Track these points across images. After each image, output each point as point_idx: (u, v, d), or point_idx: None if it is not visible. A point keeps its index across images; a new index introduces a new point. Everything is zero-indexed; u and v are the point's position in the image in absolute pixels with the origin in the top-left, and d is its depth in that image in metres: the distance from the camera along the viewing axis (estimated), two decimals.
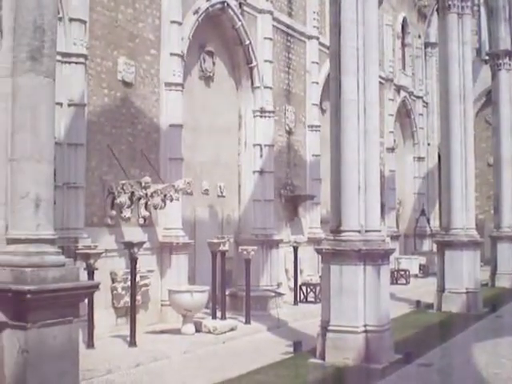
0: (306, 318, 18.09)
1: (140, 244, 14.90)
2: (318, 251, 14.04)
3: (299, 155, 24.14)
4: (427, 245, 34.99)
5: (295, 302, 21.21)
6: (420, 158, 36.39)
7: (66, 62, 14.71)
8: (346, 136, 13.54)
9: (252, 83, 21.13)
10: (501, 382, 12.23)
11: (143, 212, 16.53)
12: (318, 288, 20.74)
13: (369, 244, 13.27)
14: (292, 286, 21.79)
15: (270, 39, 21.67)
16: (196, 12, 18.70)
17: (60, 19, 14.23)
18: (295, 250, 21.59)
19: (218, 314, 16.87)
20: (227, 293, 18.07)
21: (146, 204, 16.49)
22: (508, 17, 28.66)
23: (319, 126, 24.41)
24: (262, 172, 20.97)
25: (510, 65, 28.41)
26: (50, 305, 6.81)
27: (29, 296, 6.54)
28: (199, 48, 19.68)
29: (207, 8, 19.13)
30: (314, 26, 24.76)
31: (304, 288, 22.06)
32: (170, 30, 17.85)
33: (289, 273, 22.24)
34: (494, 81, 28.97)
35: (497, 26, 28.67)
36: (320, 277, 16.79)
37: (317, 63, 24.71)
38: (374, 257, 13.22)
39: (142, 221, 16.63)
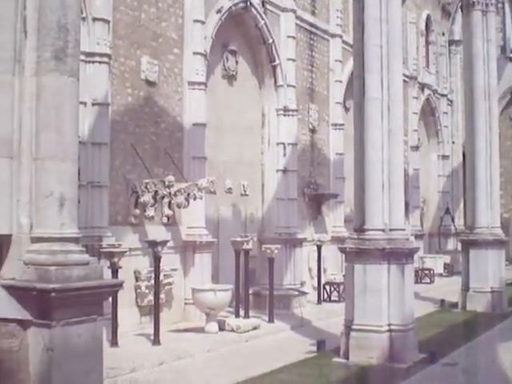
0: (329, 316, 18.06)
1: (164, 243, 14.93)
2: (342, 250, 14.00)
3: (323, 154, 24.09)
4: (452, 243, 34.77)
5: (319, 301, 21.16)
6: (444, 157, 36.18)
7: (89, 62, 14.78)
8: (369, 134, 13.48)
9: (275, 82, 21.12)
10: None
11: (167, 211, 16.59)
12: (341, 287, 20.66)
13: (393, 243, 13.20)
14: (315, 284, 21.74)
15: (293, 38, 21.64)
16: (219, 11, 18.71)
17: (83, 19, 14.28)
18: (319, 248, 21.53)
19: (242, 312, 16.88)
20: (250, 291, 18.05)
21: (170, 203, 16.54)
22: None
23: (343, 125, 24.34)
24: (285, 171, 20.94)
25: None
26: (74, 303, 6.83)
27: (53, 294, 6.56)
28: (222, 47, 19.69)
29: (230, 7, 19.14)
30: (338, 24, 24.68)
31: (327, 287, 22.01)
32: (193, 29, 17.87)
33: (312, 271, 22.19)
34: None
35: None
36: (343, 276, 16.73)
37: (340, 61, 24.64)
38: (398, 256, 13.16)
39: (165, 219, 16.68)
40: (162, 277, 15.52)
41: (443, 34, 36.64)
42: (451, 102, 37.31)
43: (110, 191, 15.28)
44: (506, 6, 36.70)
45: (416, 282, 21.96)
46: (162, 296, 15.92)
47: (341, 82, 24.73)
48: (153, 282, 15.08)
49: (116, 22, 15.72)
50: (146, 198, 16.06)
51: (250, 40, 20.82)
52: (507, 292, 21.22)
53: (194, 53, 17.85)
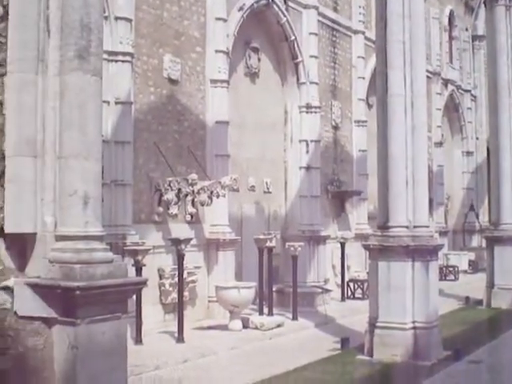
0: (353, 314, 18.00)
1: (187, 240, 14.96)
2: (366, 247, 13.95)
3: (346, 151, 24.02)
4: (476, 240, 34.54)
5: (342, 299, 21.14)
6: (469, 153, 35.89)
7: (112, 61, 14.86)
8: (393, 131, 13.42)
9: (298, 79, 21.09)
10: None
11: (190, 209, 16.63)
12: (365, 284, 20.62)
13: (417, 240, 13.14)
14: (339, 282, 21.71)
15: (316, 34, 21.60)
16: (241, 8, 18.71)
17: (106, 18, 14.37)
18: (342, 246, 21.50)
19: (265, 310, 16.89)
20: (274, 289, 18.05)
21: (193, 201, 16.58)
22: None
23: (366, 121, 24.25)
24: (308, 168, 20.91)
25: None
26: (98, 301, 6.86)
27: (78, 292, 6.58)
28: (244, 44, 19.69)
29: (252, 4, 19.13)
30: (360, 21, 24.58)
31: (351, 284, 21.97)
32: (215, 27, 17.89)
33: (336, 269, 22.15)
34: None
35: None
36: (367, 273, 16.68)
37: (363, 58, 24.54)
38: (422, 253, 13.09)
39: (188, 217, 16.72)
40: (185, 274, 15.55)
41: (466, 30, 36.37)
42: (475, 97, 37.02)
43: (133, 189, 15.34)
44: None
45: (440, 279, 21.79)
46: (186, 294, 15.96)
47: (363, 78, 24.65)
48: (176, 279, 15.13)
49: (138, 21, 15.77)
50: (170, 196, 16.11)
51: (272, 37, 20.80)
52: None
53: (217, 51, 17.86)
